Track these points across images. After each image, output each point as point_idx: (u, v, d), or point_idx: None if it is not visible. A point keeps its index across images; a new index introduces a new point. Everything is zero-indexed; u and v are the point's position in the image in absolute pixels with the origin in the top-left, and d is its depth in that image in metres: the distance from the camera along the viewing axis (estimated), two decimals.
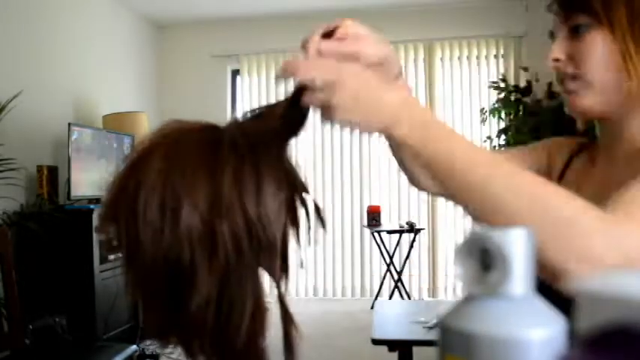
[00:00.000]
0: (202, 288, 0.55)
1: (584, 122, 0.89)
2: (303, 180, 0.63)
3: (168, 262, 0.55)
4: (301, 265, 0.64)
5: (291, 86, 0.62)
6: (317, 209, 0.63)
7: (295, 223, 0.61)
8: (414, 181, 0.87)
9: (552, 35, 0.84)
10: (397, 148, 0.72)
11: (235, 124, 0.62)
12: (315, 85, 0.58)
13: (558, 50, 0.81)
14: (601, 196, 0.77)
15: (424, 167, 0.61)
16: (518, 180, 0.59)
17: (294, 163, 0.62)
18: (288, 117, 0.61)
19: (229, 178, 0.56)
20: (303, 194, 0.62)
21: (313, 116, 0.63)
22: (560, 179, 0.93)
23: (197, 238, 0.55)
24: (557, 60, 0.81)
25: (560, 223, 0.56)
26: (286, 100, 0.62)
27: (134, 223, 0.55)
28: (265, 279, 0.61)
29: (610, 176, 0.83)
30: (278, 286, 0.59)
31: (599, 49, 0.77)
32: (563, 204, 0.57)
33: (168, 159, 0.57)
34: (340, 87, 0.58)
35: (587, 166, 0.91)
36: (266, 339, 0.58)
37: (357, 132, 0.62)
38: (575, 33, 0.79)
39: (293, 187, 0.61)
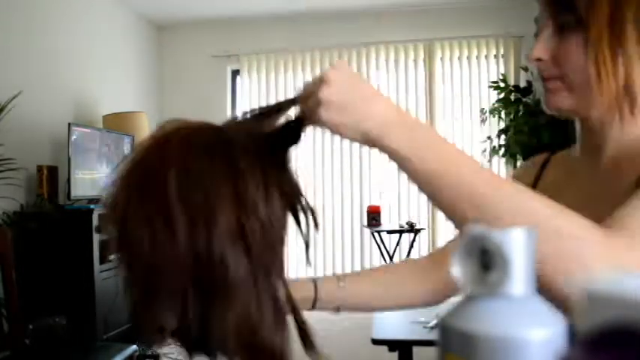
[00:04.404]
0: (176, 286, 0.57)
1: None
2: (302, 185, 0.64)
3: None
4: (308, 263, 0.65)
5: (289, 87, 0.63)
6: (313, 214, 0.64)
7: (288, 228, 0.63)
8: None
9: (538, 31, 0.77)
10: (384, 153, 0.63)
11: (235, 124, 0.63)
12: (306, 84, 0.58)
13: (541, 49, 0.75)
14: (587, 206, 0.74)
15: (412, 173, 0.58)
16: (520, 196, 0.56)
17: (292, 169, 0.64)
18: (288, 128, 0.62)
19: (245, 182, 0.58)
20: (301, 199, 0.64)
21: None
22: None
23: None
24: (539, 59, 0.75)
25: (563, 246, 0.52)
26: (282, 101, 0.63)
27: (124, 229, 0.58)
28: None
29: (597, 186, 0.78)
30: (285, 286, 0.60)
31: (581, 52, 0.70)
32: (567, 222, 0.54)
33: (176, 160, 0.58)
34: (328, 82, 0.57)
35: (564, 177, 0.86)
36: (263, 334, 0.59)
37: (341, 138, 0.60)
38: (561, 31, 0.73)
39: (293, 193, 0.63)
